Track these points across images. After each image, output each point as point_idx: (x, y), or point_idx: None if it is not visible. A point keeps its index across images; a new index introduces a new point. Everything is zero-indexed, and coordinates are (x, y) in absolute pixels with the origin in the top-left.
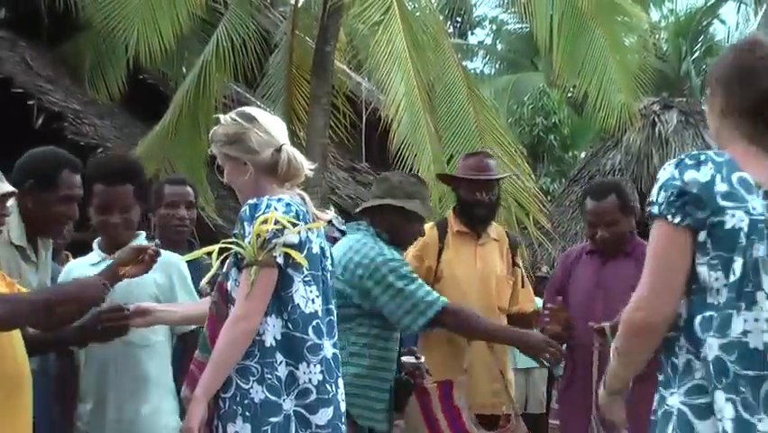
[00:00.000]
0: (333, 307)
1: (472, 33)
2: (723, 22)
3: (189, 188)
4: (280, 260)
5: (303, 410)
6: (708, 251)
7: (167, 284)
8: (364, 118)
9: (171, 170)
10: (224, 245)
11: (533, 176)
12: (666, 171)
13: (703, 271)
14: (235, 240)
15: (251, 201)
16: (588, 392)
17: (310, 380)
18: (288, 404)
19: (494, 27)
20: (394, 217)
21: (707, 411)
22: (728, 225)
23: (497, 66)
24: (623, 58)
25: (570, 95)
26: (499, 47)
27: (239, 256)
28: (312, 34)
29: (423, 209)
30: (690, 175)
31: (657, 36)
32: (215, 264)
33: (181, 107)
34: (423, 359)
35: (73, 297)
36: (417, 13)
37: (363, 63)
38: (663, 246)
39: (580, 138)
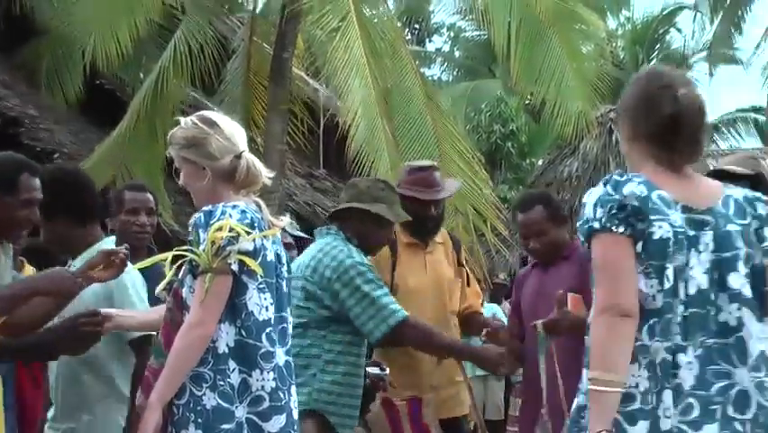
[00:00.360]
0: (287, 314)
1: (430, 41)
2: (679, 30)
3: (150, 195)
4: (235, 267)
5: (255, 418)
6: (642, 260)
7: (104, 293)
8: (322, 124)
9: (128, 176)
10: (178, 252)
11: (490, 183)
12: (598, 190)
13: (641, 279)
14: (190, 247)
15: (205, 208)
16: (539, 398)
17: (263, 387)
18: (241, 411)
19: (452, 34)
20: (361, 222)
21: (636, 416)
22: (657, 236)
23: (454, 73)
24: (580, 65)
25: (527, 102)
26: (457, 54)
27: (193, 263)
28: (270, 41)
29: (389, 213)
30: (628, 189)
31: (614, 44)
32: (170, 271)
33: (138, 113)
34: (387, 371)
35: (47, 289)
36: (375, 20)
37: (321, 70)
38: (614, 254)
39: (538, 145)
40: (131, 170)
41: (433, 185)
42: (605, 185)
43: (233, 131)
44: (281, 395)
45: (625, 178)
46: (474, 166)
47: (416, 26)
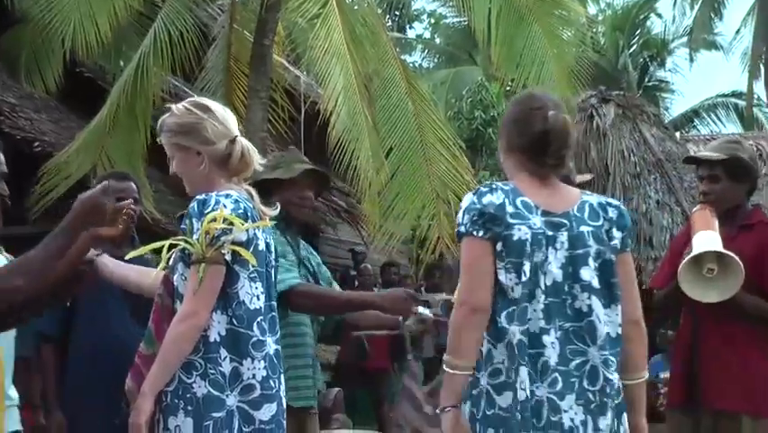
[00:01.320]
0: (275, 303)
1: (411, 27)
2: (659, 15)
3: (133, 184)
4: (228, 257)
5: (246, 406)
6: (503, 258)
7: None
8: (303, 112)
9: (108, 164)
10: (173, 242)
11: (471, 169)
12: (467, 199)
13: (501, 274)
14: (184, 237)
15: (199, 197)
16: None
17: (254, 376)
18: (232, 400)
19: (432, 21)
20: (272, 193)
21: (503, 387)
22: (516, 238)
23: (435, 60)
24: (561, 51)
25: (508, 88)
26: (438, 41)
27: (186, 252)
28: (250, 28)
29: (284, 173)
30: (486, 199)
31: (595, 30)
32: (164, 261)
33: (119, 101)
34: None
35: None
36: (356, 7)
37: (302, 57)
38: (474, 255)
39: None
40: (111, 158)
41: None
42: (474, 194)
43: (226, 116)
44: (272, 384)
45: (487, 189)
46: (455, 152)
47: (397, 13)
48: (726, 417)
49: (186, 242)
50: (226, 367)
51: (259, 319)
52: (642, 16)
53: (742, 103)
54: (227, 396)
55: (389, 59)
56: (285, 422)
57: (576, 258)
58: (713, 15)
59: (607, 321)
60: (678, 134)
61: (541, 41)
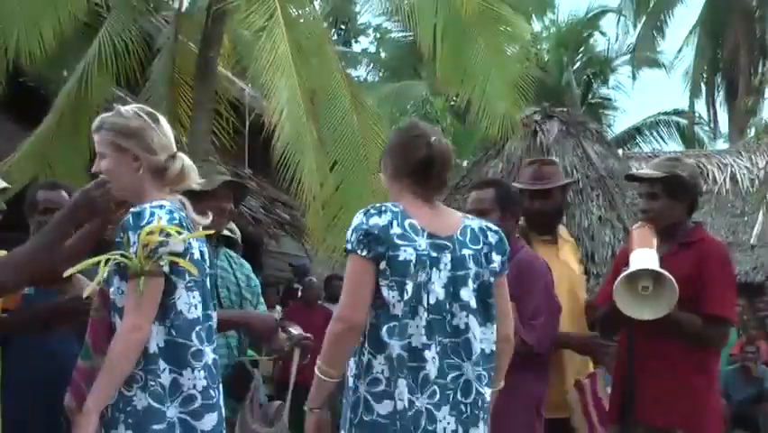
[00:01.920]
0: (212, 312)
1: (356, 41)
2: (603, 33)
3: (64, 193)
4: (166, 268)
5: (188, 417)
6: (387, 276)
7: None
8: (247, 124)
9: (51, 174)
10: (110, 256)
11: None
12: (357, 218)
13: (384, 290)
14: (120, 251)
15: (133, 210)
16: None
17: (194, 386)
18: (173, 411)
19: (378, 35)
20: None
21: (382, 396)
22: (401, 258)
23: (380, 74)
24: (505, 67)
25: (452, 103)
26: (383, 55)
27: (121, 265)
28: (195, 39)
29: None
30: (373, 221)
31: (539, 47)
32: (100, 275)
33: (62, 111)
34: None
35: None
36: (302, 20)
37: (247, 69)
38: (356, 273)
39: (463, 147)
40: (54, 167)
41: (537, 177)
42: (364, 214)
43: (169, 130)
44: (212, 393)
45: (376, 211)
46: None
47: (342, 27)
48: (658, 431)
49: (123, 255)
50: (165, 379)
51: (197, 329)
52: (586, 34)
53: (684, 121)
54: (167, 408)
55: (334, 72)
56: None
57: (457, 279)
58: (656, 34)
59: (482, 339)
60: (620, 151)
61: (486, 56)
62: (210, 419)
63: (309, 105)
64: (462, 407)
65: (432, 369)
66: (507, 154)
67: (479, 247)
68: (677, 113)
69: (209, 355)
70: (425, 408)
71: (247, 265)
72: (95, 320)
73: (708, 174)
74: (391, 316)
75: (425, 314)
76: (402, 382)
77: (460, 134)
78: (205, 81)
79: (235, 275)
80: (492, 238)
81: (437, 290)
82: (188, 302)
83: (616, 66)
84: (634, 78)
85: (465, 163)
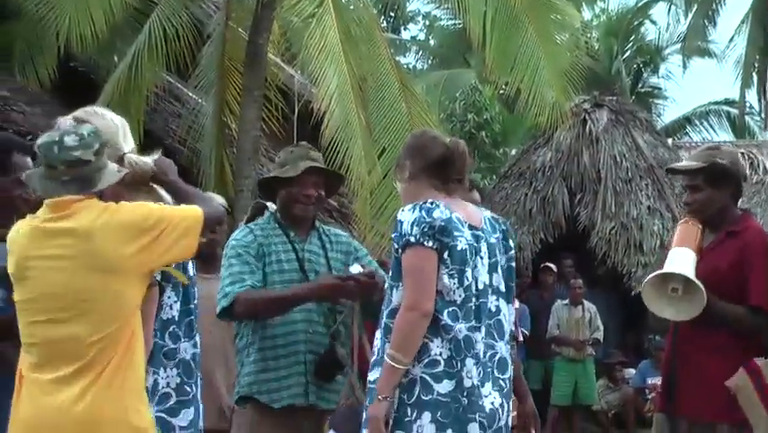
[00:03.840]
0: (192, 306)
1: (405, 29)
2: (654, 22)
3: None
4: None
5: (164, 414)
6: (448, 265)
7: None
8: (296, 111)
9: None
10: None
11: None
12: (414, 213)
13: (445, 278)
14: None
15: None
16: None
17: (168, 384)
18: (152, 410)
19: (427, 23)
20: (274, 192)
21: (442, 377)
22: (459, 248)
23: (429, 62)
24: (555, 55)
25: (501, 92)
26: (432, 43)
27: None
28: (245, 26)
29: (289, 171)
30: (436, 213)
31: (589, 35)
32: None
33: (112, 96)
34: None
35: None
36: (351, 7)
37: (296, 56)
38: (422, 264)
39: (512, 135)
40: None
41: None
42: (419, 210)
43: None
44: (188, 389)
45: (433, 205)
46: None
47: (392, 14)
48: (702, 426)
49: None
50: (149, 380)
51: (172, 328)
52: (636, 22)
53: (734, 111)
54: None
55: (383, 59)
56: (203, 424)
57: (491, 266)
58: (707, 23)
59: (510, 320)
60: (670, 141)
61: (535, 44)
62: (186, 415)
63: (358, 91)
64: (501, 382)
65: (480, 350)
66: (555, 143)
67: (498, 235)
68: (727, 102)
69: (187, 351)
70: (475, 384)
71: (344, 236)
72: None
73: (758, 165)
74: (449, 302)
75: (474, 299)
76: (470, 362)
77: (508, 123)
78: (254, 67)
79: (327, 256)
80: (504, 226)
81: (483, 277)
82: (164, 303)
83: (666, 55)
84: (684, 67)
85: (513, 152)
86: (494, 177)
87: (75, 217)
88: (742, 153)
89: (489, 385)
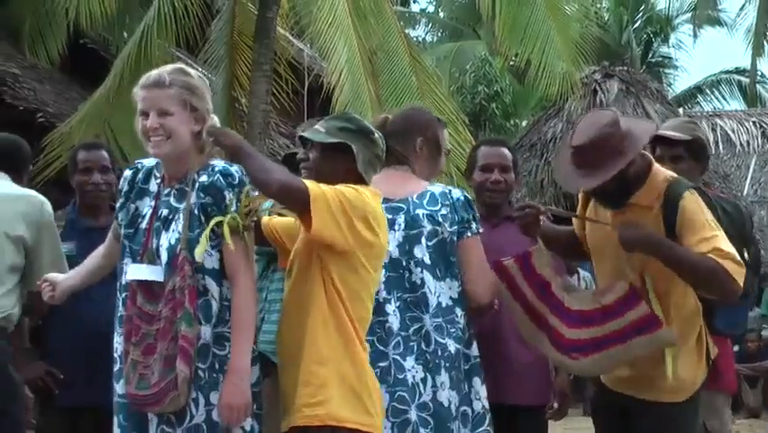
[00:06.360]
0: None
1: (415, 1)
2: None
3: (104, 153)
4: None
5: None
6: None
7: (33, 237)
8: (306, 85)
9: (111, 136)
10: (220, 219)
11: (474, 143)
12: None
13: None
14: (223, 212)
15: (218, 169)
16: None
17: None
18: None
19: None
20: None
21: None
22: None
23: (439, 34)
24: (565, 26)
25: (512, 63)
26: (442, 15)
27: (215, 227)
28: (254, 0)
29: None
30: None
31: (599, 5)
32: (206, 238)
33: (122, 72)
34: None
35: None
36: None
37: (306, 30)
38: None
39: (522, 106)
40: (114, 128)
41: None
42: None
43: None
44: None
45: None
46: (458, 127)
47: None
48: None
49: (232, 219)
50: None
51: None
52: None
53: (745, 80)
54: None
55: (393, 32)
56: None
57: (410, 238)
58: None
59: (438, 292)
60: (681, 111)
61: (545, 15)
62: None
63: (368, 65)
64: (427, 356)
65: (394, 321)
66: (566, 114)
67: (436, 208)
68: (738, 71)
69: None
70: (392, 358)
71: None
72: (192, 288)
73: None
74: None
75: (384, 271)
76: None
77: (519, 94)
78: (263, 42)
79: None
80: (455, 196)
81: (391, 250)
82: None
83: (676, 24)
84: (695, 36)
85: (524, 123)
86: None
87: None
88: (754, 122)
89: (410, 359)
